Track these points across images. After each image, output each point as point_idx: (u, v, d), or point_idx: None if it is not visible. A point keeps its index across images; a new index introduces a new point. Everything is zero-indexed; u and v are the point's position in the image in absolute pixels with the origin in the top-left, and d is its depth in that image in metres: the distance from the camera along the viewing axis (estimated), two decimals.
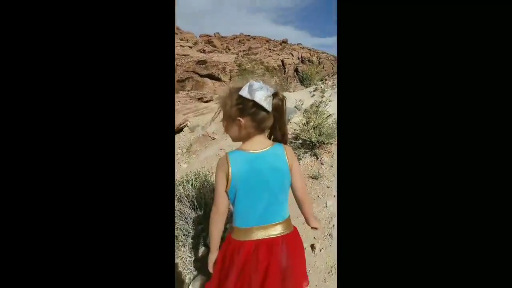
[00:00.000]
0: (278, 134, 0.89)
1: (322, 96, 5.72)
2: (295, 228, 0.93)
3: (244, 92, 0.77)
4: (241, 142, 0.88)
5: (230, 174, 0.80)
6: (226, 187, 0.82)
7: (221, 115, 0.87)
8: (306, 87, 9.27)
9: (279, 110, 0.83)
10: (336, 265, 1.44)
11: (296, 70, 41.72)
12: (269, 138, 0.89)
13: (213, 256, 0.92)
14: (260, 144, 0.84)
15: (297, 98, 6.49)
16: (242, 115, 0.80)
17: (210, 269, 0.92)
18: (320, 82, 7.32)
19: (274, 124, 0.86)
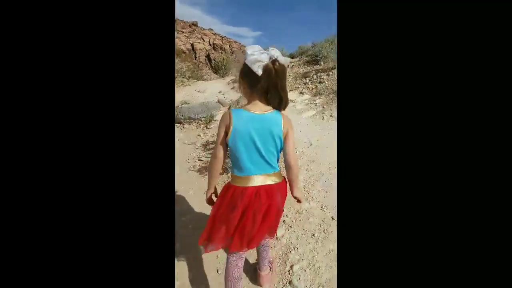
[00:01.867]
0: (274, 99, 0.94)
1: None
2: (284, 178, 1.07)
3: (246, 56, 0.87)
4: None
5: (231, 127, 0.90)
6: (227, 137, 0.93)
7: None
8: (222, 77, 8.97)
9: (270, 75, 0.88)
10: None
11: (207, 57, 40.41)
12: (268, 103, 0.95)
13: (209, 192, 1.08)
14: (262, 107, 0.94)
15: (216, 89, 6.14)
16: (241, 76, 0.94)
17: (207, 202, 1.10)
18: (238, 74, 7.15)
19: (269, 89, 0.91)
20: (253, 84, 0.90)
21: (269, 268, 1.34)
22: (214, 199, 1.09)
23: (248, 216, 0.96)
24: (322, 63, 5.24)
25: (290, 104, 4.02)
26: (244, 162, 0.95)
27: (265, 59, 0.86)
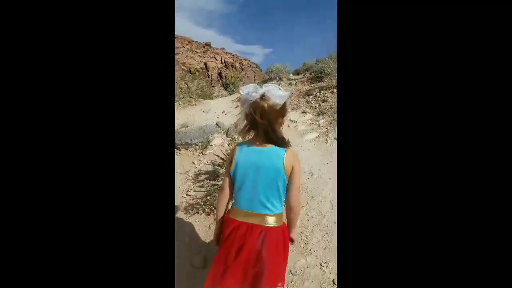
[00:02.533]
0: (270, 135, 0.91)
1: None
2: (284, 225, 0.99)
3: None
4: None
5: (233, 159, 0.94)
6: (230, 169, 0.95)
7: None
8: (230, 94, 8.99)
9: (258, 112, 0.87)
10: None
11: (219, 74, 41.51)
12: (263, 139, 0.93)
13: (216, 229, 1.05)
14: (263, 142, 0.92)
15: (220, 108, 6.10)
16: (243, 114, 0.93)
17: (213, 239, 1.08)
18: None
19: (264, 126, 0.89)
20: (249, 122, 0.91)
21: None
22: None
23: (225, 250, 0.94)
24: (325, 80, 5.06)
25: (292, 125, 3.84)
26: (236, 194, 0.96)
27: (254, 97, 0.86)
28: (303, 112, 4.13)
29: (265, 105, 0.85)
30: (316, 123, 3.62)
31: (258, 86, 0.87)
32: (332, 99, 4.13)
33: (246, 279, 0.89)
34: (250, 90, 0.87)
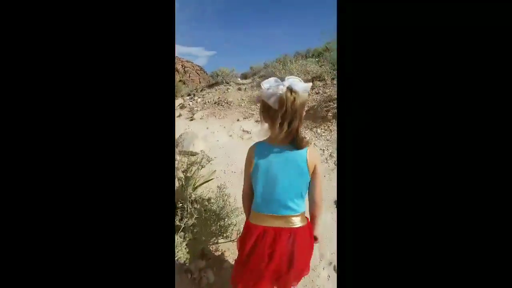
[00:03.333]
0: (293, 133, 0.85)
1: (192, 119, 4.83)
2: (308, 223, 0.96)
3: (261, 91, 0.84)
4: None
5: (253, 160, 0.88)
6: (251, 171, 0.91)
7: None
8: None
9: (284, 105, 0.80)
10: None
11: None
12: (285, 139, 0.87)
13: (242, 232, 1.01)
14: (284, 140, 0.86)
15: None
16: (261, 110, 0.87)
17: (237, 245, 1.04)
18: (188, 98, 6.33)
19: (283, 121, 0.83)
20: (273, 118, 0.83)
21: None
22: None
23: (253, 256, 0.91)
24: None
25: (245, 136, 3.42)
26: (257, 197, 0.91)
27: (281, 90, 0.80)
28: (257, 121, 3.77)
29: (295, 98, 0.80)
30: None
31: (278, 79, 0.83)
32: None
33: (279, 282, 0.94)
34: (272, 83, 0.82)
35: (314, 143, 3.29)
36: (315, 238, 1.00)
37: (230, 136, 3.52)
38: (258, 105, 0.89)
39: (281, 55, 5.74)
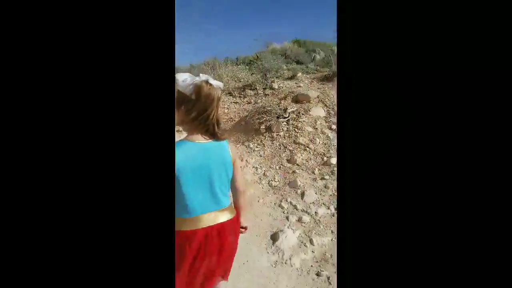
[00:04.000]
0: (210, 125, 0.85)
1: None
2: (237, 212, 0.98)
3: (176, 85, 0.83)
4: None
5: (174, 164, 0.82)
6: None
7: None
8: None
9: (203, 96, 0.82)
10: None
11: None
12: (205, 132, 0.87)
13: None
14: (204, 136, 0.86)
15: None
16: (177, 106, 0.83)
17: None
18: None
19: (205, 113, 0.84)
20: (190, 110, 0.82)
21: None
22: None
23: (199, 262, 0.85)
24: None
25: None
26: (191, 200, 0.83)
27: (197, 81, 0.82)
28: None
29: (211, 89, 0.82)
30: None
31: (191, 74, 0.84)
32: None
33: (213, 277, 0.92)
34: (186, 77, 0.82)
35: (246, 160, 2.93)
36: (245, 228, 1.04)
37: None
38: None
39: (211, 58, 5.24)
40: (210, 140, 0.84)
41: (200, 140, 0.83)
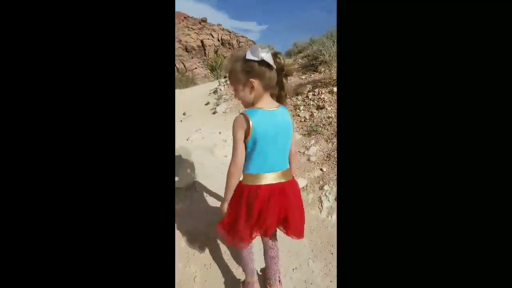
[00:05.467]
0: (281, 93, 0.96)
1: (214, 112, 4.05)
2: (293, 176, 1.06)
3: (250, 56, 0.85)
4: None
5: (251, 128, 0.87)
6: (246, 140, 0.90)
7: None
8: (217, 78, 7.28)
9: (281, 67, 0.90)
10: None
11: (216, 52, 39.34)
12: (276, 98, 0.96)
13: (225, 204, 1.02)
14: (272, 103, 0.93)
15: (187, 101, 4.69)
16: (253, 76, 0.87)
17: (221, 215, 1.05)
18: (223, 80, 5.53)
19: (277, 83, 0.93)
20: (269, 80, 0.89)
21: (279, 282, 1.19)
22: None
23: (267, 214, 0.94)
24: (322, 69, 3.57)
25: None
26: (259, 159, 0.92)
27: (270, 53, 0.87)
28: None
29: (282, 59, 0.89)
30: (306, 154, 2.23)
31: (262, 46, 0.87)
32: (331, 105, 2.71)
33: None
34: (258, 49, 0.85)
35: None
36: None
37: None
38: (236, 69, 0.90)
39: (328, 31, 4.31)
40: (276, 108, 0.92)
41: (270, 107, 0.91)
